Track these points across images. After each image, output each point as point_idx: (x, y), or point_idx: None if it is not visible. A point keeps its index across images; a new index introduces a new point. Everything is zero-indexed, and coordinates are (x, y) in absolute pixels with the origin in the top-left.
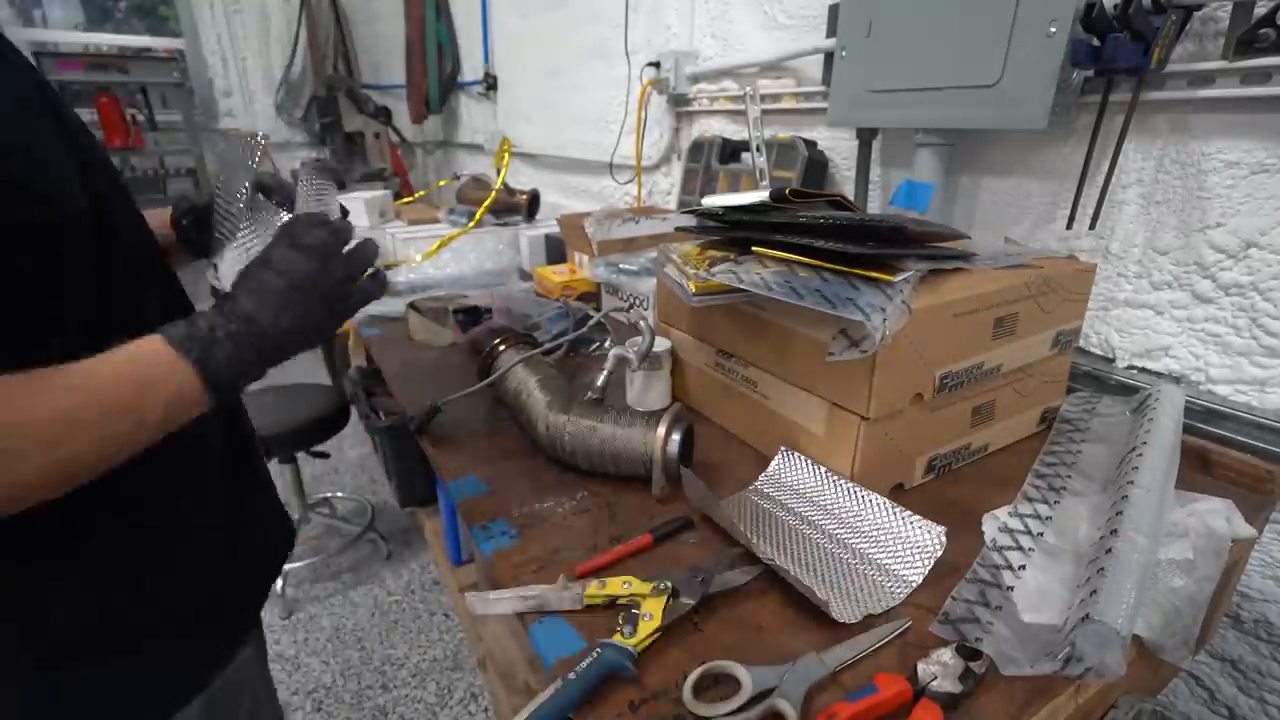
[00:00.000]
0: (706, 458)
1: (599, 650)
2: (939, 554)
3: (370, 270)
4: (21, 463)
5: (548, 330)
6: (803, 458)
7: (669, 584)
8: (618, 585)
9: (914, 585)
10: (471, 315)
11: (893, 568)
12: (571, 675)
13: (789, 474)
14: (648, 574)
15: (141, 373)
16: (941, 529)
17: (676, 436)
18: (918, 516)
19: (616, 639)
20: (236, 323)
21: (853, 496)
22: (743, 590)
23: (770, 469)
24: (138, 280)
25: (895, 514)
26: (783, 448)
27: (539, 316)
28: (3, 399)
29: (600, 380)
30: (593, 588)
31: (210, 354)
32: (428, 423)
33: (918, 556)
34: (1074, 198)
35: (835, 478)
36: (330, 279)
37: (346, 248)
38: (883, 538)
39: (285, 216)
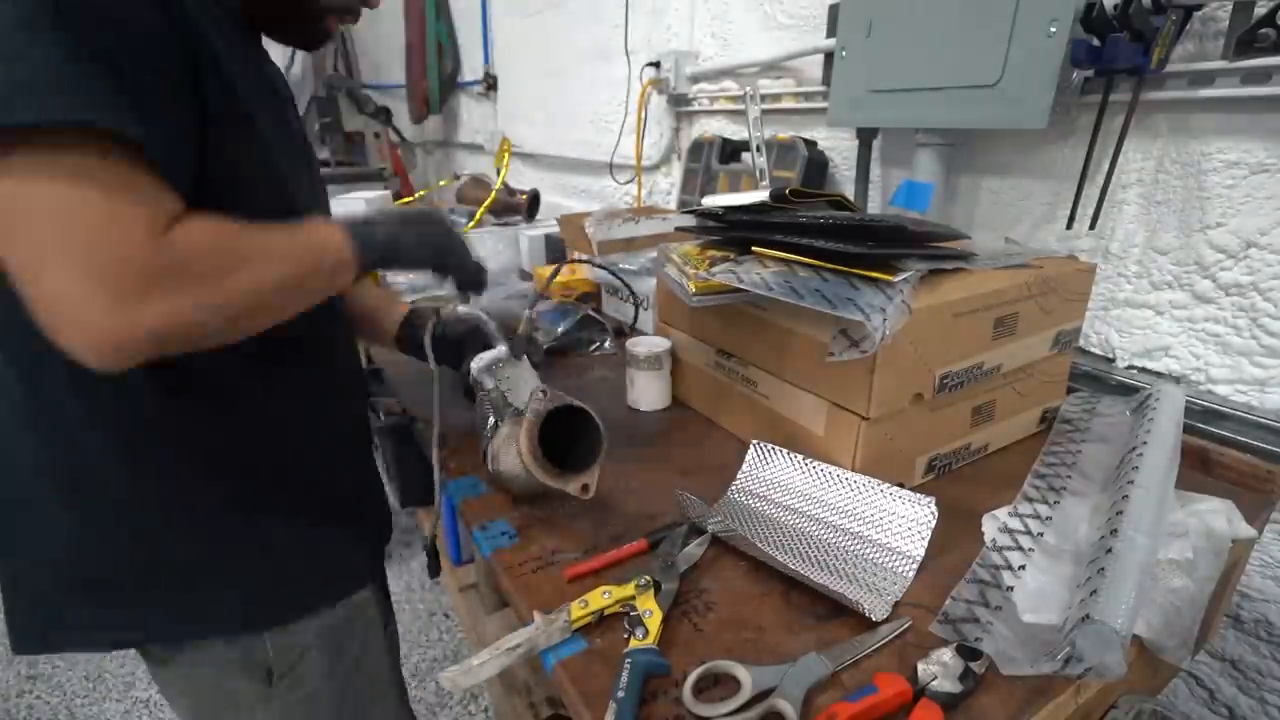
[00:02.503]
0: (707, 458)
1: (630, 659)
2: (934, 524)
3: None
4: (254, 272)
5: (548, 329)
6: (776, 448)
7: (649, 578)
8: (599, 599)
9: (918, 559)
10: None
11: (894, 545)
12: (620, 693)
13: (767, 468)
14: (624, 580)
15: (320, 235)
16: (931, 499)
17: (532, 440)
18: (905, 491)
19: (634, 644)
20: (380, 221)
21: (837, 480)
22: (745, 590)
23: (746, 466)
24: None
25: (883, 491)
26: (754, 442)
27: (532, 312)
28: (229, 231)
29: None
30: (575, 610)
31: (361, 235)
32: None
33: (914, 530)
34: (1074, 198)
35: (815, 464)
36: (446, 228)
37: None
38: (877, 516)
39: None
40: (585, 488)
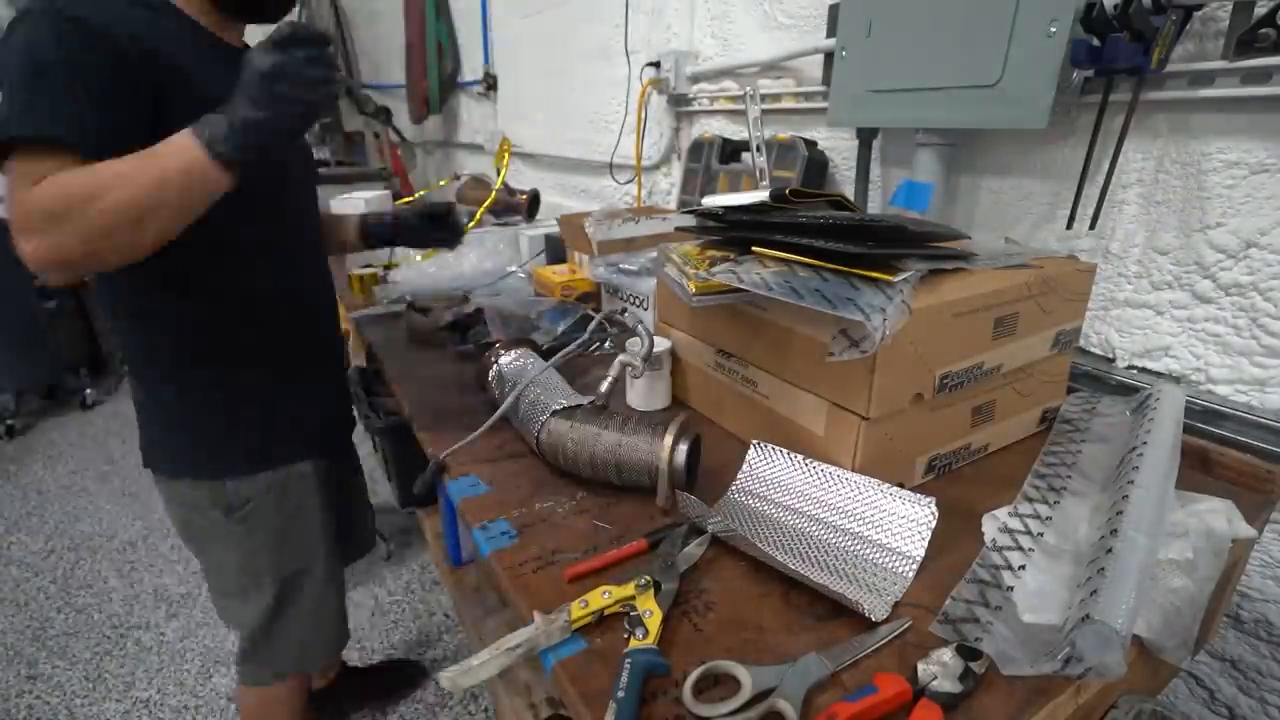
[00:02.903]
0: (707, 459)
1: (630, 659)
2: (934, 524)
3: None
4: (107, 195)
5: (548, 328)
6: (776, 448)
7: (649, 578)
8: (599, 599)
9: (919, 559)
10: (461, 329)
11: (894, 545)
12: (620, 693)
13: (767, 468)
14: (624, 580)
15: (163, 148)
16: (931, 499)
17: (684, 448)
18: (905, 491)
19: (634, 644)
20: (230, 113)
21: (837, 480)
22: (745, 590)
23: (746, 466)
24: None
25: (883, 491)
26: (754, 442)
27: (533, 314)
28: (78, 172)
29: (604, 386)
30: (575, 610)
31: (212, 133)
32: (436, 479)
33: (914, 530)
34: (1074, 198)
35: (815, 464)
36: (298, 75)
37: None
38: (877, 517)
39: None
40: (667, 499)
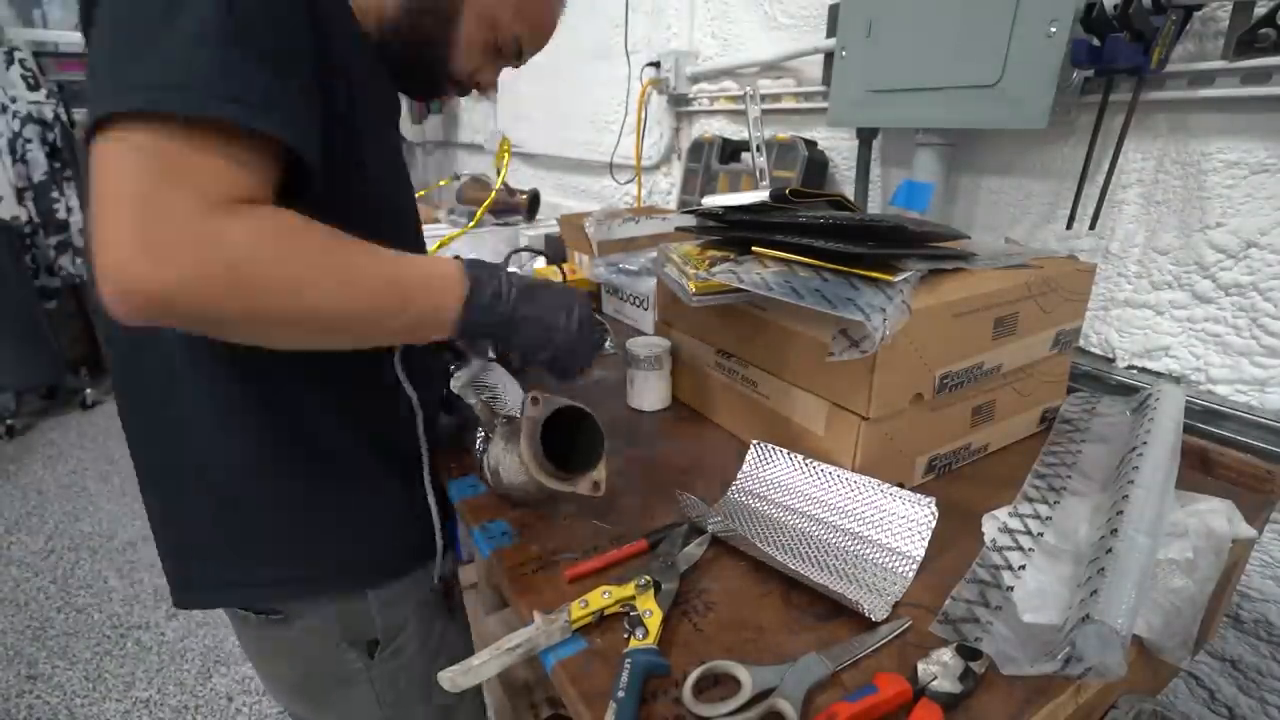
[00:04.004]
0: (707, 458)
1: (630, 659)
2: (934, 524)
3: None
4: (304, 281)
5: None
6: (776, 448)
7: (649, 578)
8: (599, 599)
9: (919, 560)
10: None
11: (894, 545)
12: (620, 693)
13: (767, 468)
14: (624, 580)
15: (429, 273)
16: (931, 499)
17: (535, 447)
18: (905, 491)
19: (634, 644)
20: (506, 293)
21: (837, 480)
22: (745, 590)
23: (746, 466)
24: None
25: (883, 491)
26: (754, 442)
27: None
28: (302, 232)
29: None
30: (575, 610)
31: (480, 291)
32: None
33: (914, 530)
34: (1074, 198)
35: (815, 464)
36: (577, 324)
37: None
38: (877, 517)
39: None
40: (596, 485)
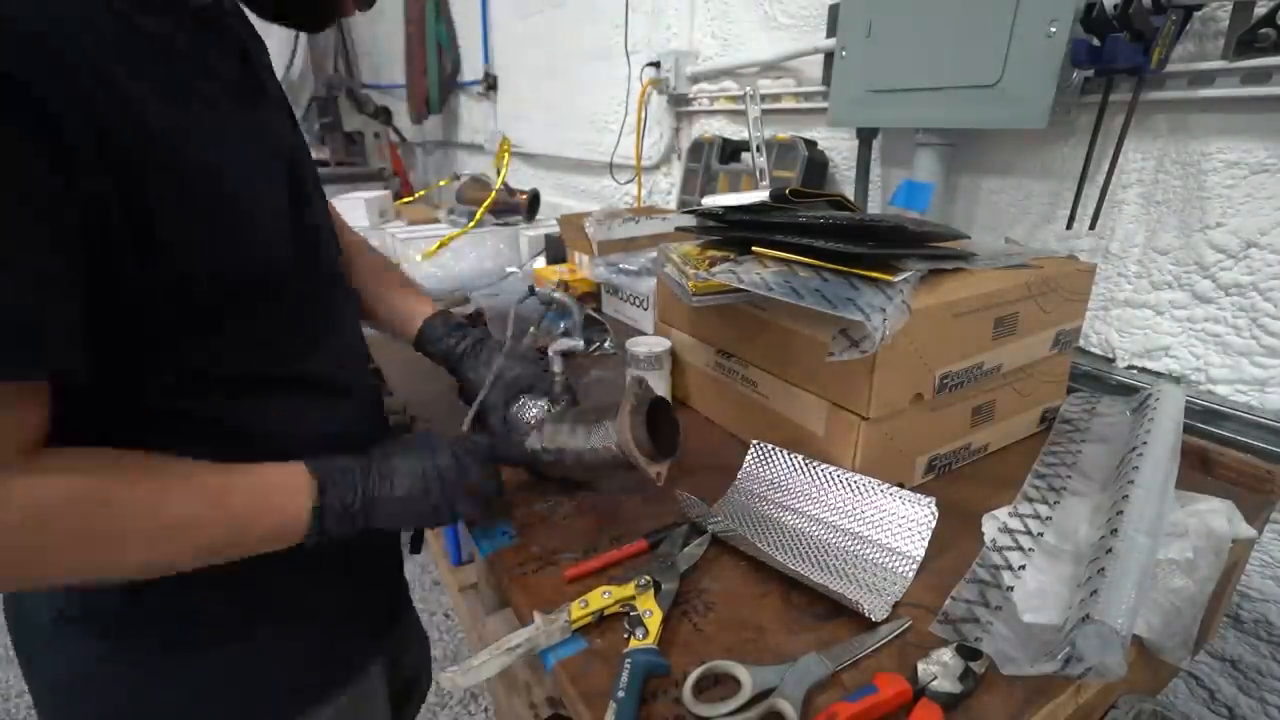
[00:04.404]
0: (707, 458)
1: (630, 659)
2: (934, 524)
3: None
4: (121, 550)
5: (550, 330)
6: (776, 448)
7: (649, 578)
8: (599, 599)
9: (919, 560)
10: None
11: (894, 545)
12: (620, 693)
13: (767, 468)
14: (624, 580)
15: (262, 484)
16: (931, 499)
17: (640, 420)
18: (905, 491)
19: (634, 644)
20: (365, 496)
21: (837, 480)
22: (745, 590)
23: (746, 466)
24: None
25: (883, 491)
26: (754, 442)
27: (534, 314)
28: (111, 494)
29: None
30: (575, 610)
31: (336, 507)
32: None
33: (914, 530)
34: (1074, 198)
35: (815, 464)
36: (455, 502)
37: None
38: (877, 517)
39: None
40: (660, 475)
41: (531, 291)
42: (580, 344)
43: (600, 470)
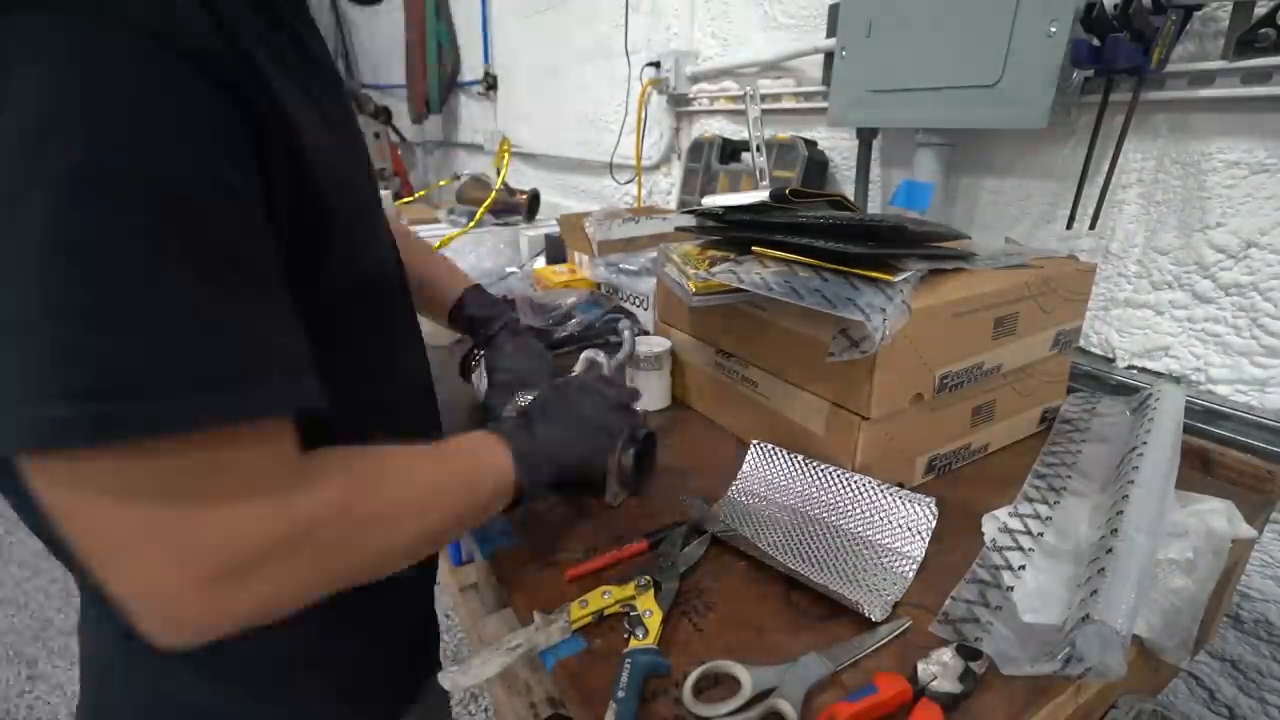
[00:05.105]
0: (707, 458)
1: (630, 659)
2: (934, 524)
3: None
4: (398, 529)
5: (581, 319)
6: (777, 448)
7: (649, 578)
8: (599, 599)
9: (919, 560)
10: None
11: (893, 545)
12: (620, 693)
13: (767, 468)
14: (624, 580)
15: (482, 460)
16: (931, 499)
17: (631, 450)
18: (906, 491)
19: (634, 644)
20: (541, 443)
21: (837, 480)
22: (745, 590)
23: (746, 466)
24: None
25: (883, 491)
26: (754, 442)
27: (567, 305)
28: (382, 472)
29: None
30: (575, 610)
31: (524, 456)
32: None
33: (915, 531)
34: (1074, 198)
35: (815, 464)
36: (608, 421)
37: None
38: (877, 517)
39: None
40: (616, 497)
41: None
42: (602, 359)
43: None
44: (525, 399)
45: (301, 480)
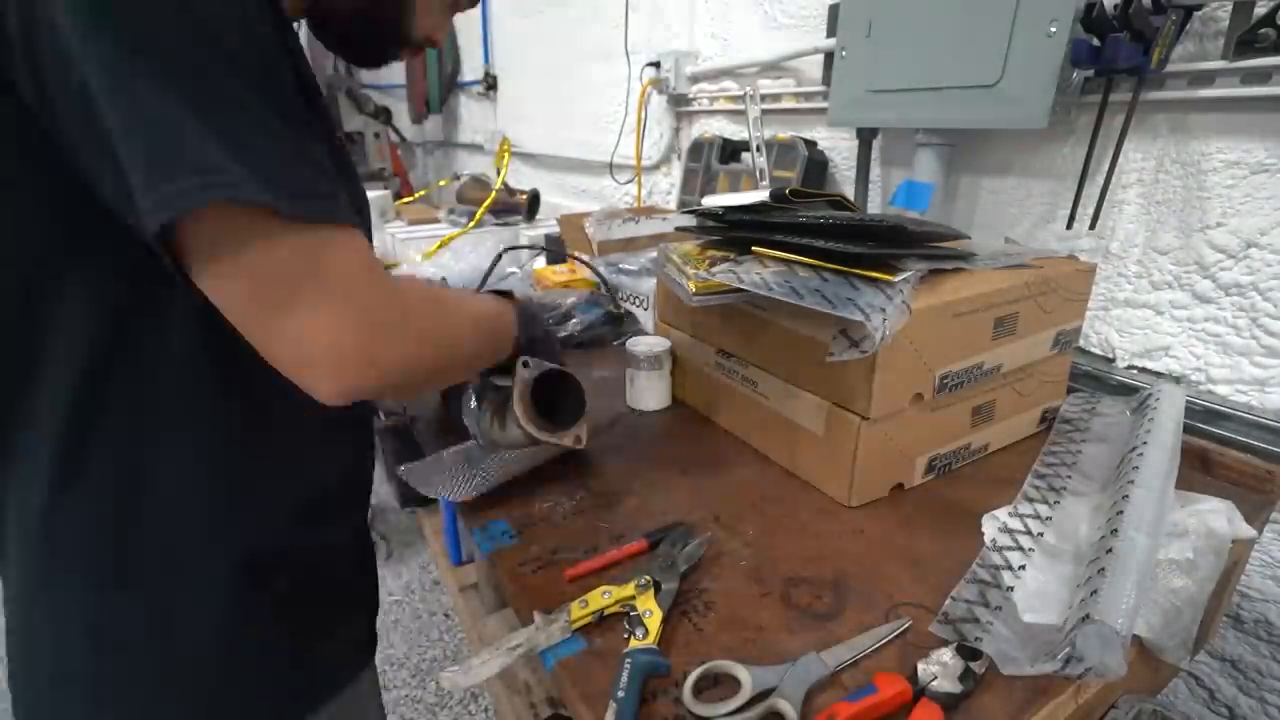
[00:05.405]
0: (707, 458)
1: (630, 659)
2: None
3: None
4: (459, 333)
5: (581, 318)
6: None
7: (649, 578)
8: (599, 599)
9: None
10: None
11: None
12: (620, 693)
13: None
14: (624, 580)
15: (497, 309)
16: None
17: (529, 404)
18: None
19: (634, 644)
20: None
21: None
22: (745, 590)
23: None
24: None
25: None
26: None
27: (567, 304)
28: (445, 296)
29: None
30: (575, 610)
31: (525, 319)
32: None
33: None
34: (1074, 198)
35: None
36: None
37: None
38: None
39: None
40: (578, 439)
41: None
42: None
43: (532, 455)
44: (470, 400)
45: (394, 282)
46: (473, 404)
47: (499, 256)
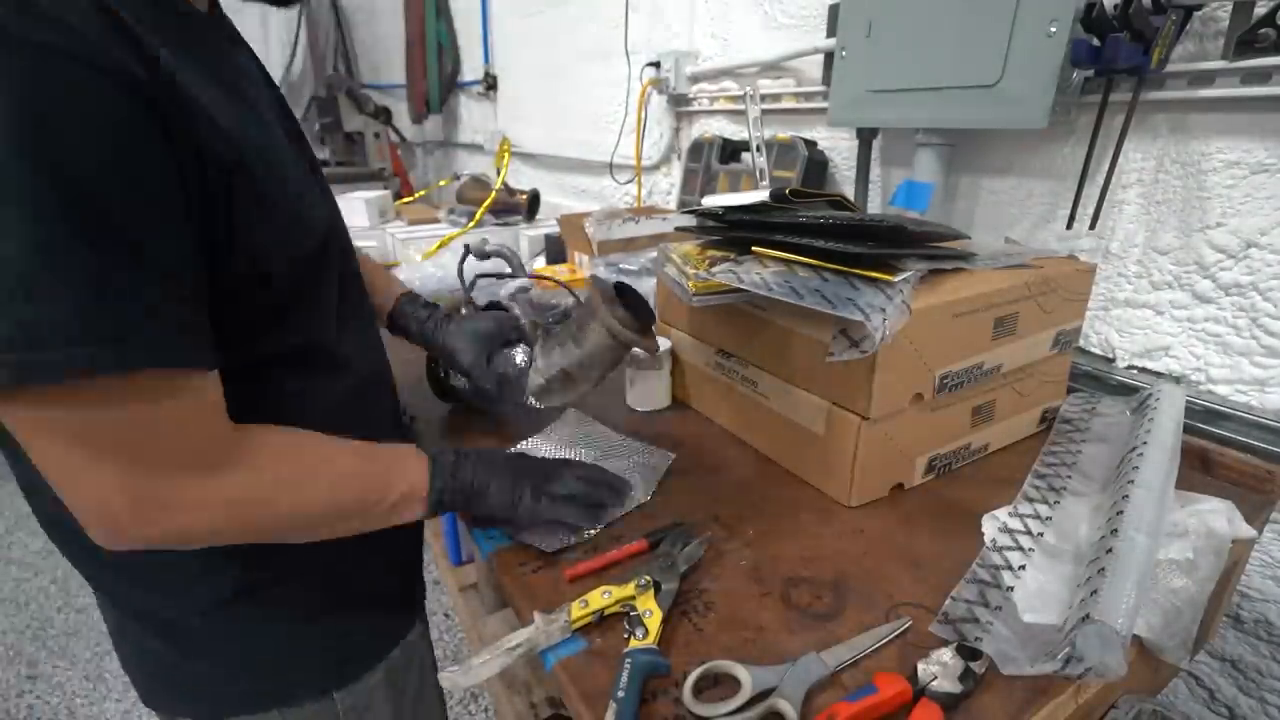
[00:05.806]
0: (707, 458)
1: (630, 659)
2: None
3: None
4: (304, 500)
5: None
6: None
7: (649, 578)
8: (599, 599)
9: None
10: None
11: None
12: (620, 693)
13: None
14: (624, 580)
15: (392, 463)
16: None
17: (617, 305)
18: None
19: (634, 644)
20: (468, 484)
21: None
22: (745, 590)
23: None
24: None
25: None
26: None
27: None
28: (302, 448)
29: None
30: (575, 610)
31: (443, 484)
32: None
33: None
34: (1074, 198)
35: None
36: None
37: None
38: None
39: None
40: (653, 343)
41: (467, 250)
42: (529, 283)
43: (603, 365)
44: (517, 358)
45: (224, 450)
46: (519, 359)
47: (464, 257)
